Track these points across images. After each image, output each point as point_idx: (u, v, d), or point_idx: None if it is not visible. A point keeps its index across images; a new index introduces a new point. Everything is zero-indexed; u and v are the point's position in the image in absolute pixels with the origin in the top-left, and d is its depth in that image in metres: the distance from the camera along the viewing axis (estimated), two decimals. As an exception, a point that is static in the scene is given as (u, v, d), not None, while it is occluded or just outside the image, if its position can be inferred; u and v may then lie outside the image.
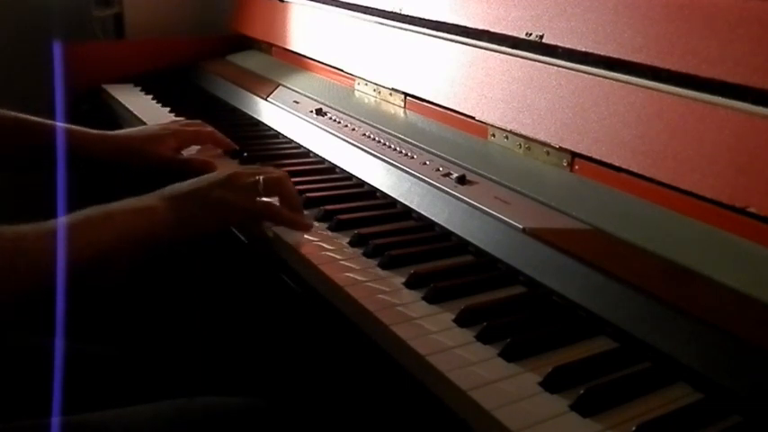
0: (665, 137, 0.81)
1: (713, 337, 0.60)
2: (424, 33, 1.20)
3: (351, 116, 1.24)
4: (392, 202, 0.96)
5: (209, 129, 1.15)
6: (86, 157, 1.06)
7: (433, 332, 0.66)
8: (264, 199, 0.87)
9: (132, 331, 1.26)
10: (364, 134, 1.15)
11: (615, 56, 0.88)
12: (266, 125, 1.31)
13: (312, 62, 1.51)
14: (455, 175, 0.94)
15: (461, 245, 0.83)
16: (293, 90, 1.42)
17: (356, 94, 1.35)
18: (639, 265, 0.71)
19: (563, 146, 0.92)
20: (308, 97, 1.37)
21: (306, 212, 0.91)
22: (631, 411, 0.56)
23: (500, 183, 0.92)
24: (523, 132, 0.98)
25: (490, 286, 0.75)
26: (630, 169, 0.83)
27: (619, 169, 0.85)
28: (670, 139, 0.80)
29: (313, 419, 0.87)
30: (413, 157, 1.04)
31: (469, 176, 0.94)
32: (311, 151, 1.16)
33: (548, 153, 0.95)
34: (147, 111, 1.41)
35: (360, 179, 1.03)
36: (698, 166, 0.77)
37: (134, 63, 1.66)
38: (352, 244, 0.83)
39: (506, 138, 1.02)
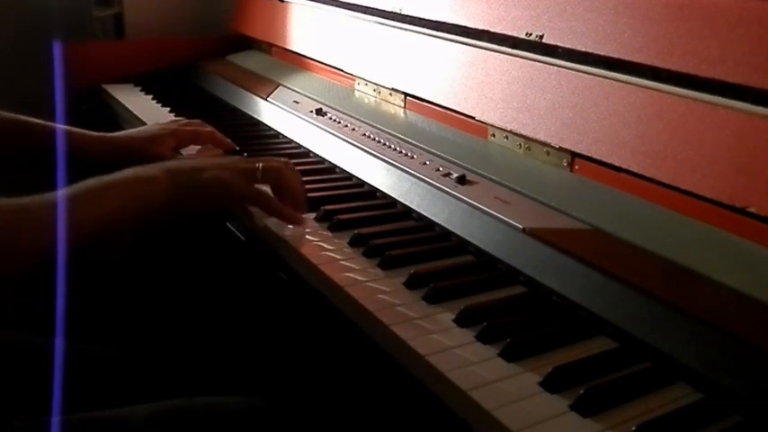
0: (665, 137, 0.81)
1: (713, 337, 0.60)
2: (424, 33, 1.20)
3: (351, 116, 1.24)
4: (392, 202, 0.96)
5: (209, 128, 1.15)
6: (86, 159, 1.06)
7: (433, 332, 0.66)
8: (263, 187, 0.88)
9: (132, 331, 1.25)
10: (364, 134, 1.15)
11: (615, 56, 0.88)
12: (266, 125, 1.31)
13: (312, 62, 1.51)
14: (455, 175, 0.94)
15: (461, 245, 0.83)
16: (293, 90, 1.42)
17: (356, 94, 1.35)
18: (639, 265, 0.71)
19: (563, 146, 0.92)
20: (308, 97, 1.37)
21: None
22: (631, 411, 0.56)
23: (500, 183, 0.92)
24: (523, 132, 0.98)
25: (490, 286, 0.75)
26: (630, 169, 0.83)
27: (619, 169, 0.85)
28: (670, 139, 0.80)
29: (313, 419, 0.87)
30: (413, 157, 1.03)
31: (469, 176, 0.94)
32: (311, 151, 1.16)
33: (548, 153, 0.95)
34: (147, 111, 1.41)
35: (360, 179, 1.03)
36: (698, 166, 0.77)
37: (134, 63, 1.66)
38: (351, 244, 0.83)
39: (506, 138, 1.02)
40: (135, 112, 1.39)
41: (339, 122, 1.22)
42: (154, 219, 0.81)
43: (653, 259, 0.71)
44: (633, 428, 0.54)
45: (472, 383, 0.59)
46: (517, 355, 0.62)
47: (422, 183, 0.95)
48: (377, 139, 1.12)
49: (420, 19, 1.21)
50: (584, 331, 0.67)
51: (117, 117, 1.45)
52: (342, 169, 1.08)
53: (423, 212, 0.90)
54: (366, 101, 1.32)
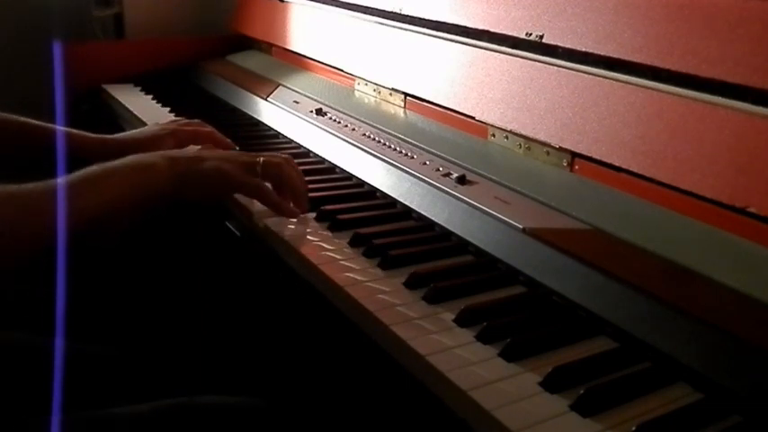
0: (665, 137, 0.81)
1: (713, 337, 0.60)
2: (424, 33, 1.20)
3: (351, 116, 1.24)
4: (392, 202, 0.96)
5: (209, 128, 1.15)
6: (86, 160, 1.06)
7: (433, 332, 0.66)
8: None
9: (132, 331, 1.26)
10: (364, 134, 1.15)
11: (615, 56, 0.88)
12: (266, 125, 1.31)
13: (312, 62, 1.51)
14: (455, 175, 0.94)
15: (461, 245, 0.83)
16: (293, 90, 1.42)
17: (356, 94, 1.35)
18: (639, 265, 0.71)
19: (563, 146, 0.92)
20: (308, 97, 1.37)
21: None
22: (631, 411, 0.56)
23: (500, 183, 0.92)
24: (523, 132, 0.98)
25: (490, 286, 0.75)
26: (630, 169, 0.83)
27: (619, 169, 0.85)
28: (670, 139, 0.80)
29: (313, 419, 0.87)
30: (413, 157, 1.04)
31: (469, 176, 0.94)
32: (311, 151, 1.16)
33: (548, 153, 0.95)
34: (147, 111, 1.41)
35: (360, 179, 1.03)
36: (698, 166, 0.77)
37: (134, 63, 1.67)
38: (351, 244, 0.83)
39: (506, 138, 1.02)
40: (135, 112, 1.39)
41: (339, 122, 1.22)
42: (153, 206, 0.82)
43: (653, 259, 0.71)
44: (633, 428, 0.54)
45: (472, 383, 0.59)
46: (517, 355, 0.62)
47: (422, 183, 0.95)
48: (377, 139, 1.12)
49: (420, 19, 1.21)
50: (584, 331, 0.67)
51: (117, 117, 1.45)
52: (342, 169, 1.08)
53: (423, 212, 0.90)
54: (366, 101, 1.32)
